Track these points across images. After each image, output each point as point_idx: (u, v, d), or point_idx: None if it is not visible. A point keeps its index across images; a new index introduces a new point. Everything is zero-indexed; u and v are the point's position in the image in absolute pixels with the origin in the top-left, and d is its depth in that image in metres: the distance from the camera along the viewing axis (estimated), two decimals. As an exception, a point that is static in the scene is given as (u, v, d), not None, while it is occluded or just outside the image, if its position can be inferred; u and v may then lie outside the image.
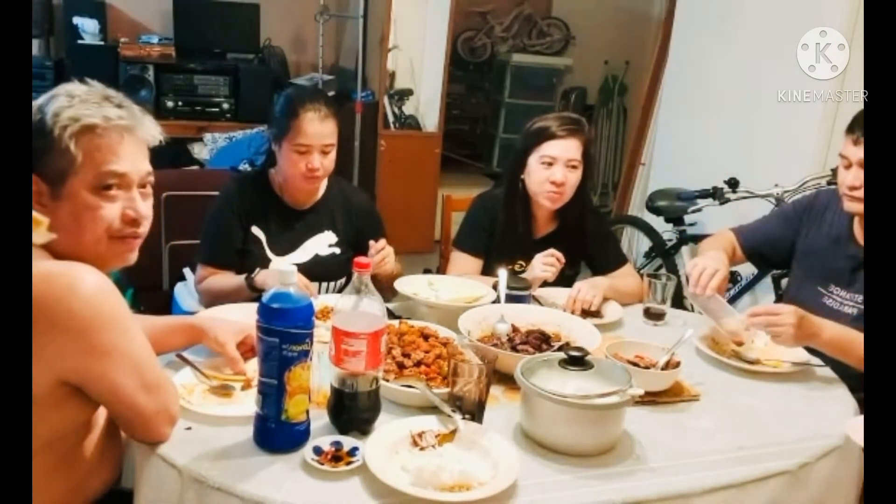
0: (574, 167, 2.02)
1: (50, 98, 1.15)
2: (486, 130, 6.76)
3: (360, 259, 1.25)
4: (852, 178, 1.73)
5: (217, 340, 1.45)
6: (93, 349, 1.08)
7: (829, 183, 2.80)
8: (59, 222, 1.13)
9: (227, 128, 4.21)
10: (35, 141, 1.10)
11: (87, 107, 1.14)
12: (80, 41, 4.09)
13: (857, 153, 1.71)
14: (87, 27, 4.10)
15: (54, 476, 1.19)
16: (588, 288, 1.93)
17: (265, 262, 1.96)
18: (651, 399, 1.45)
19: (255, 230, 1.98)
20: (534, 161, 2.03)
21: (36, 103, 1.14)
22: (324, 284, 2.02)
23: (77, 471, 1.23)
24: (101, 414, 1.26)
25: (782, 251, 2.01)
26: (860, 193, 1.72)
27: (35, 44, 4.16)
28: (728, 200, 3.11)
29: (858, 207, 1.75)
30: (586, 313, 1.88)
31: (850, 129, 1.75)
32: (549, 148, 2.00)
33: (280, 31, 4.74)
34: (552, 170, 2.00)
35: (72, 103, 1.14)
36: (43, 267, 1.08)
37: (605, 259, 2.16)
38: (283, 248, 1.99)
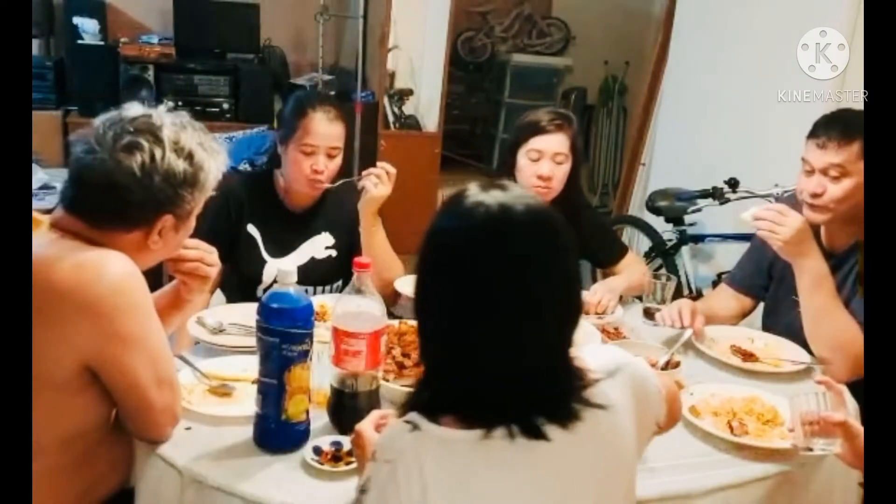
0: (561, 162, 2.00)
1: (193, 144, 1.24)
2: (486, 130, 6.75)
3: (360, 259, 1.25)
4: (814, 185, 1.68)
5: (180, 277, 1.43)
6: (114, 333, 1.13)
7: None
8: (170, 246, 1.29)
9: (227, 128, 4.19)
10: (185, 189, 1.23)
11: (218, 156, 1.30)
12: (80, 41, 4.08)
13: (821, 158, 1.66)
14: (87, 27, 4.09)
15: (65, 477, 1.20)
16: (604, 291, 1.93)
17: (261, 264, 1.96)
18: (651, 399, 1.45)
19: (251, 229, 1.97)
20: (522, 156, 2.02)
21: (185, 146, 1.23)
22: (319, 288, 2.01)
23: (90, 473, 1.25)
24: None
25: (767, 274, 1.95)
26: (821, 201, 1.67)
27: (35, 44, 4.15)
28: (728, 200, 3.10)
29: (819, 217, 1.70)
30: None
31: (814, 133, 1.69)
32: (536, 142, 1.99)
33: (280, 31, 4.74)
34: (539, 164, 1.98)
35: (206, 155, 1.26)
36: (76, 254, 1.13)
37: (608, 252, 2.15)
38: (279, 250, 1.98)
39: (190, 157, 1.22)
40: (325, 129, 1.89)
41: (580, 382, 0.91)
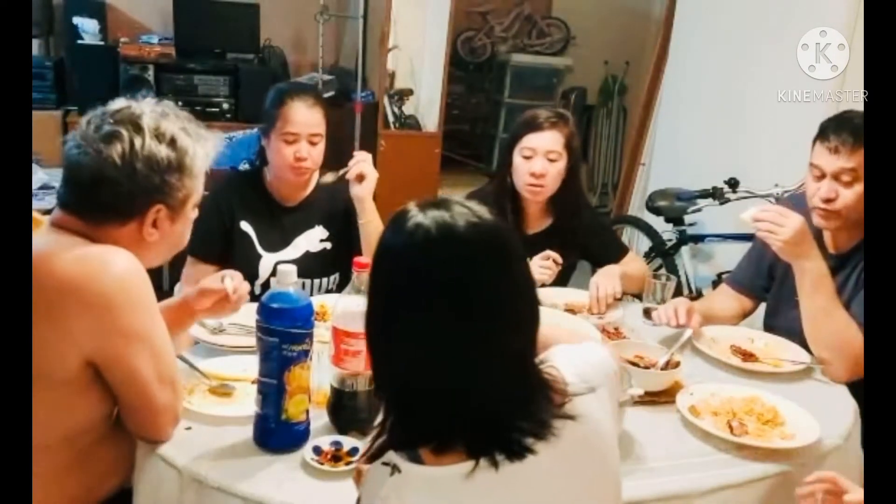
0: (554, 160, 2.00)
1: (175, 130, 1.23)
2: (486, 130, 6.75)
3: (360, 259, 1.26)
4: (826, 191, 1.66)
5: (197, 297, 1.45)
6: (117, 329, 1.13)
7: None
8: (169, 239, 1.28)
9: (226, 128, 4.16)
10: (171, 176, 1.21)
11: (206, 141, 1.28)
12: (80, 41, 4.08)
13: (834, 163, 1.64)
14: (87, 27, 4.09)
15: (69, 474, 1.21)
16: (606, 280, 1.93)
17: (256, 259, 1.97)
18: (651, 399, 1.45)
19: (244, 225, 1.98)
20: (516, 154, 2.03)
21: (166, 132, 1.21)
22: (316, 281, 2.02)
23: (92, 472, 1.25)
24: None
25: (768, 275, 1.94)
26: (833, 207, 1.66)
27: (35, 44, 4.16)
28: (728, 200, 3.10)
29: (830, 223, 1.70)
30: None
31: (824, 136, 1.67)
32: (529, 140, 2.00)
33: (280, 31, 4.74)
34: (532, 162, 1.99)
35: (190, 140, 1.24)
36: (78, 250, 1.14)
37: (607, 252, 2.15)
38: (274, 245, 1.99)
39: (172, 142, 1.21)
40: (304, 116, 1.90)
41: (553, 393, 0.87)
